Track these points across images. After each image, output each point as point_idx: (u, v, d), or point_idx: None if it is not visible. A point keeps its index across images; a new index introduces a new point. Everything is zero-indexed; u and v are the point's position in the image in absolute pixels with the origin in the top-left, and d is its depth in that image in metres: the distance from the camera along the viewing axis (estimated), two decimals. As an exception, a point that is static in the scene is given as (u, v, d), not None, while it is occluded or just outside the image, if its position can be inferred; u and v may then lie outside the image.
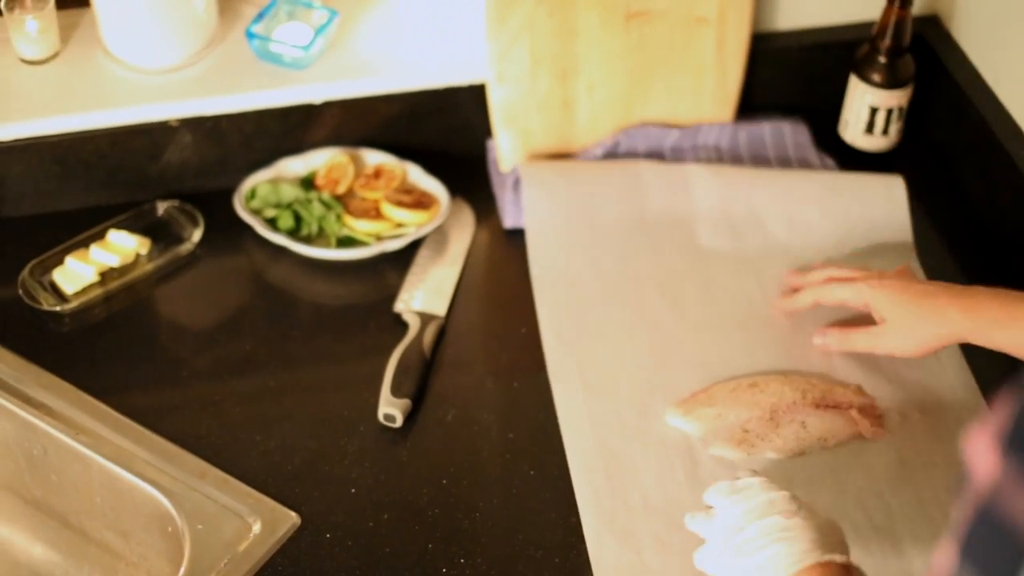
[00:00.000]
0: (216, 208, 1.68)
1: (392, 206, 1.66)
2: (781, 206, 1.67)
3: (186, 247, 1.65)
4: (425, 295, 1.60)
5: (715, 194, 1.68)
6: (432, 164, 1.72)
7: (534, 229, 1.65)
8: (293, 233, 1.65)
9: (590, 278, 1.61)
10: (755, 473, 1.26)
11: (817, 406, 1.46)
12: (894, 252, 1.65)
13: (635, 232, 1.65)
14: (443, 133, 1.75)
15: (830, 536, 1.18)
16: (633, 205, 1.67)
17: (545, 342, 1.54)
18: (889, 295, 1.44)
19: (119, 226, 1.64)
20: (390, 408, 1.46)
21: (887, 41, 1.70)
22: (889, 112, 1.74)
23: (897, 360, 1.51)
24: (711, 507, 1.29)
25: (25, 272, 1.59)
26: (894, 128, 1.76)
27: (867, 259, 1.63)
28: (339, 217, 1.65)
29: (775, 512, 1.21)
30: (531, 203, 1.66)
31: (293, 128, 1.71)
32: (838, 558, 1.14)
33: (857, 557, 1.33)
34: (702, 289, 1.60)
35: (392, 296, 1.60)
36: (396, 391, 1.47)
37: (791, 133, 1.78)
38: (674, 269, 1.62)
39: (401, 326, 1.56)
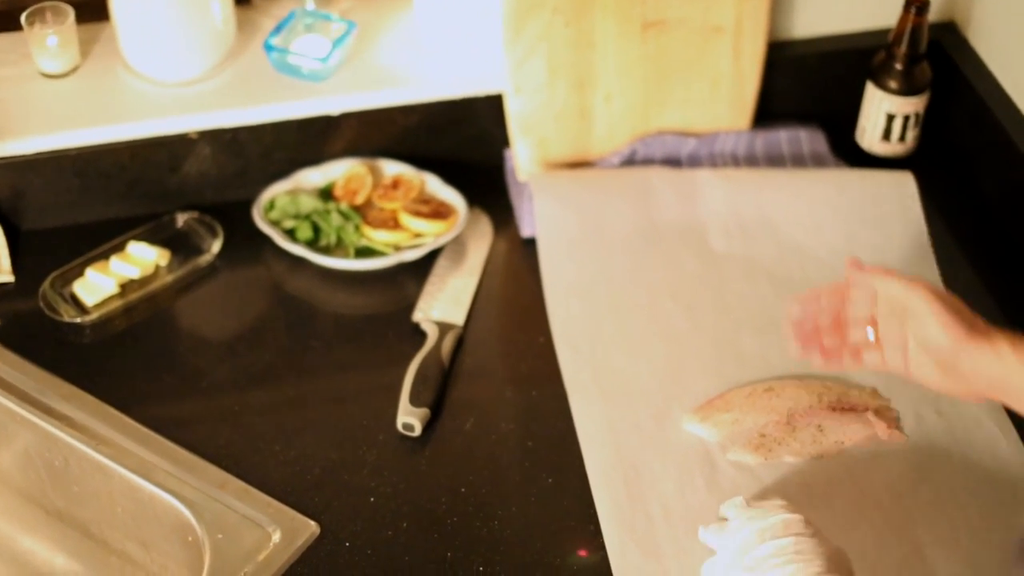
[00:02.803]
0: (235, 219, 1.69)
1: (410, 216, 1.67)
2: (791, 206, 1.68)
3: (205, 258, 1.66)
4: (443, 304, 1.61)
5: (725, 198, 1.68)
6: (450, 174, 1.73)
7: (545, 240, 1.65)
8: (312, 244, 1.65)
9: (603, 287, 1.61)
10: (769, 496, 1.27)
11: (833, 409, 1.46)
12: (909, 247, 1.65)
13: (647, 239, 1.66)
14: (461, 143, 1.76)
15: (841, 564, 1.19)
16: (644, 213, 1.67)
17: (559, 353, 1.54)
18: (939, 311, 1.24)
19: (139, 238, 1.66)
20: (409, 417, 1.47)
21: (903, 48, 1.70)
22: (906, 119, 1.74)
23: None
24: (726, 519, 1.29)
25: (46, 284, 1.60)
26: (911, 135, 1.76)
27: (882, 254, 1.63)
28: (357, 228, 1.66)
29: (790, 533, 1.21)
30: (542, 214, 1.66)
31: (311, 139, 1.72)
32: None
33: (877, 557, 1.34)
34: (715, 295, 1.60)
35: (410, 306, 1.61)
36: (415, 400, 1.48)
37: (808, 140, 1.78)
38: (687, 275, 1.62)
39: (419, 335, 1.57)
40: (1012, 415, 1.47)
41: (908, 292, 1.26)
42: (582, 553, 1.36)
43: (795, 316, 1.34)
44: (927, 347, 1.25)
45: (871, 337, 1.30)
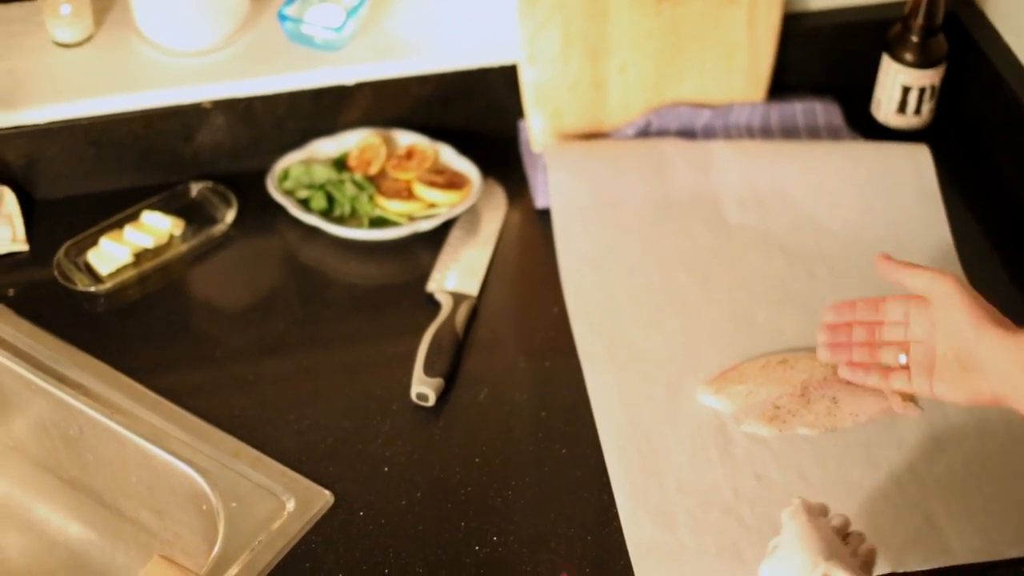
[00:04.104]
0: (249, 189, 1.69)
1: (424, 186, 1.67)
2: (806, 179, 1.67)
3: (219, 228, 1.66)
4: (457, 275, 1.61)
5: (740, 170, 1.68)
6: (464, 145, 1.72)
7: (559, 211, 1.65)
8: (326, 214, 1.65)
9: (617, 259, 1.61)
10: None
11: (847, 382, 1.46)
12: (924, 219, 1.65)
13: (661, 211, 1.65)
14: (475, 114, 1.76)
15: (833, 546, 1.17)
16: (658, 184, 1.67)
17: (574, 324, 1.54)
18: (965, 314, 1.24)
19: (153, 207, 1.65)
20: (423, 387, 1.47)
21: (919, 20, 1.69)
22: (921, 91, 1.73)
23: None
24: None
25: (60, 253, 1.60)
26: (926, 107, 1.75)
27: (897, 227, 1.63)
28: (371, 198, 1.66)
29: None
30: (556, 185, 1.66)
31: (325, 109, 1.71)
32: None
33: (891, 530, 1.33)
34: (729, 267, 1.60)
35: (425, 276, 1.61)
36: (429, 370, 1.48)
37: (823, 113, 1.77)
38: (701, 247, 1.62)
39: (434, 306, 1.57)
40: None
41: (935, 282, 1.26)
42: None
43: (828, 321, 1.38)
44: (951, 338, 1.25)
45: (902, 361, 1.33)
